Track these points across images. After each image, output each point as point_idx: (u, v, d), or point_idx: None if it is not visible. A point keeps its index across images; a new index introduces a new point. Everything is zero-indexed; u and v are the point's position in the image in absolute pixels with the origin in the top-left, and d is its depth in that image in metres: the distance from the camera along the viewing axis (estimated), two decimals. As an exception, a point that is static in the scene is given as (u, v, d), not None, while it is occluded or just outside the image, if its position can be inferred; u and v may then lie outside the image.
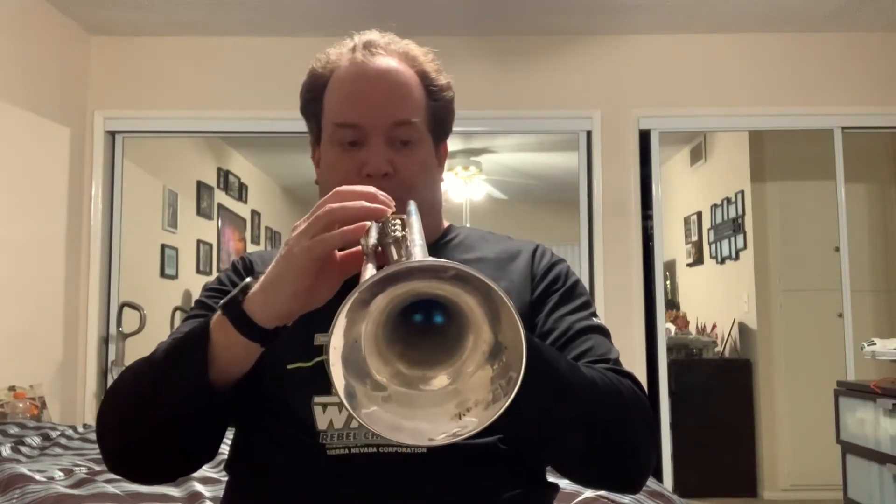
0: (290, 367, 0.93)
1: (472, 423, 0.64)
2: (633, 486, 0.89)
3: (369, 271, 0.66)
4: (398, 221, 0.74)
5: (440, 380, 0.66)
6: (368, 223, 0.73)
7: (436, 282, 0.62)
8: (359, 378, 0.64)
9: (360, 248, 0.73)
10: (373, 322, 0.64)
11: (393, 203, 0.77)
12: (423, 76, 1.00)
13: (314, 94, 1.01)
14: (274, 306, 0.76)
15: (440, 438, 0.64)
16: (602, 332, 0.96)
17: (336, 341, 0.62)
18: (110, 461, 0.88)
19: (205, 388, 0.80)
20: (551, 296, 0.98)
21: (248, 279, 0.80)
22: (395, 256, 0.70)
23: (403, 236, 0.72)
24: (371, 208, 0.74)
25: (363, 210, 0.74)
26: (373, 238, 0.71)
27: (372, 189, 0.78)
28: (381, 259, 0.71)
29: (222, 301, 0.80)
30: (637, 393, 0.86)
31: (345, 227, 0.73)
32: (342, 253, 0.77)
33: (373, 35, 1.00)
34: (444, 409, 0.65)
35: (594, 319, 0.97)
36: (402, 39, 1.01)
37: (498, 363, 0.64)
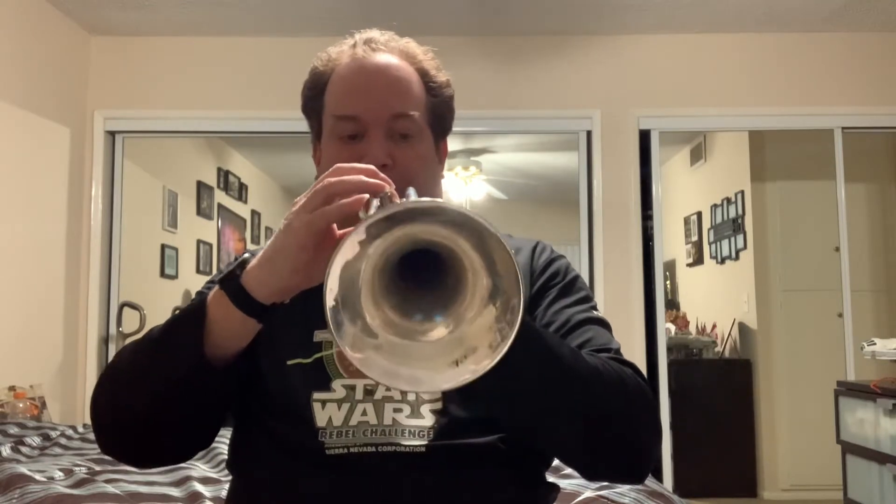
0: (290, 362, 0.93)
1: (481, 368, 0.63)
2: (636, 476, 0.88)
3: None
4: (398, 198, 0.74)
5: (439, 331, 0.66)
6: (366, 196, 0.73)
7: (432, 225, 0.62)
8: (351, 319, 0.64)
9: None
10: (370, 266, 0.64)
11: (392, 183, 0.77)
12: (423, 73, 1.01)
13: (315, 91, 1.02)
14: (272, 281, 0.76)
15: (447, 385, 0.64)
16: (602, 324, 0.96)
17: (332, 283, 0.62)
18: (103, 439, 0.88)
19: (200, 362, 0.80)
20: (550, 289, 0.98)
21: (246, 254, 0.80)
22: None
23: None
24: (369, 183, 0.74)
25: (361, 184, 0.74)
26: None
27: (371, 167, 0.78)
28: None
29: (220, 276, 0.79)
30: (639, 382, 0.85)
31: (343, 201, 0.73)
32: (342, 231, 0.77)
33: (373, 33, 1.02)
34: (445, 358, 0.64)
35: (594, 312, 0.97)
36: (402, 38, 1.03)
37: (500, 300, 0.63)
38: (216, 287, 0.79)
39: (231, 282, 0.78)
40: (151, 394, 0.82)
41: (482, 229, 0.61)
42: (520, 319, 0.62)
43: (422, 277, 0.68)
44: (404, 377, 0.64)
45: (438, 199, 0.62)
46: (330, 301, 0.62)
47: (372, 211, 0.70)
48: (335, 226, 0.76)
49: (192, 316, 0.81)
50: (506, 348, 0.62)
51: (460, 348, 0.64)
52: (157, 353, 0.83)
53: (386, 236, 0.62)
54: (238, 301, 0.77)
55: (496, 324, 0.63)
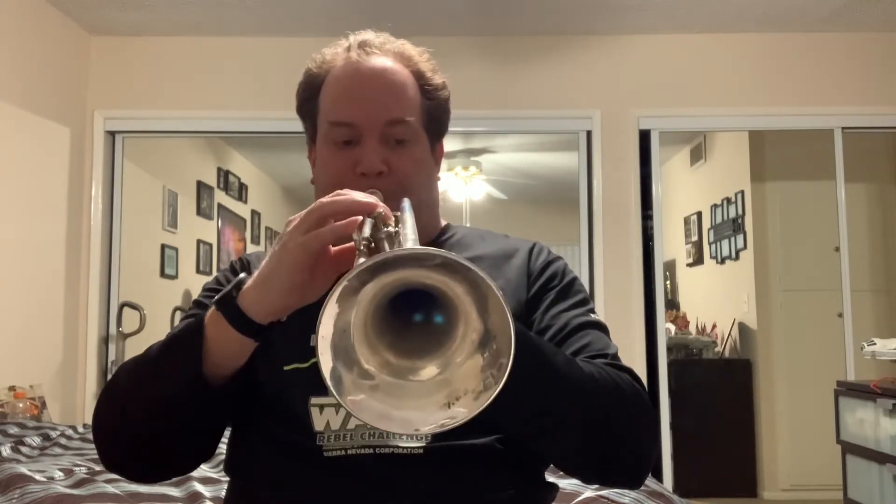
0: (287, 368, 0.93)
1: (462, 413, 0.63)
2: (634, 481, 0.88)
3: None
4: (392, 218, 0.74)
5: (429, 370, 0.66)
6: (360, 217, 0.73)
7: (424, 270, 0.62)
8: (347, 366, 0.64)
9: (353, 243, 0.73)
10: (362, 311, 0.64)
11: (384, 198, 0.78)
12: (418, 75, 1.00)
13: (310, 94, 1.01)
14: (268, 301, 0.77)
15: (429, 428, 0.64)
16: (600, 327, 0.96)
17: (325, 330, 0.62)
18: (106, 458, 0.88)
19: (199, 382, 0.80)
20: (548, 293, 0.98)
21: (242, 274, 0.80)
22: (388, 250, 0.70)
23: (396, 232, 0.72)
24: (363, 203, 0.75)
25: (355, 204, 0.75)
26: (366, 233, 0.71)
27: (368, 191, 0.79)
28: (373, 254, 0.71)
29: (217, 296, 0.80)
30: (636, 387, 0.86)
31: (336, 223, 0.73)
32: (336, 248, 0.77)
33: (368, 35, 1.01)
34: (434, 399, 0.65)
35: (592, 316, 0.97)
36: (398, 39, 1.02)
37: (488, 351, 0.63)
38: (213, 307, 0.79)
39: (227, 303, 0.78)
40: (151, 412, 0.83)
41: (474, 275, 0.61)
42: (506, 378, 0.62)
43: (415, 313, 0.68)
44: (397, 420, 0.64)
45: (429, 248, 0.62)
46: (327, 366, 0.62)
47: (366, 229, 0.71)
48: (330, 246, 0.76)
49: (189, 336, 0.81)
50: (489, 400, 0.62)
51: (451, 391, 0.65)
52: (155, 373, 0.84)
53: (377, 281, 0.63)
54: (235, 322, 0.77)
55: (482, 372, 0.63)
